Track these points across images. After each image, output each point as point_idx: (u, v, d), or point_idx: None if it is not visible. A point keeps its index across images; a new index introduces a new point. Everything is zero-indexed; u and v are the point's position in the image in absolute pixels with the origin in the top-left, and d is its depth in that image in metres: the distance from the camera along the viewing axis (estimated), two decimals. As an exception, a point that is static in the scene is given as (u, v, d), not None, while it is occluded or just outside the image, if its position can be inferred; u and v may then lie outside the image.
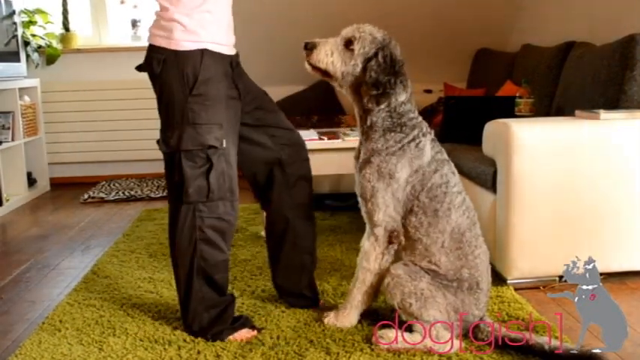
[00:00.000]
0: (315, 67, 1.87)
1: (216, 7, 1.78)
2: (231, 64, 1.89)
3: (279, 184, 2.03)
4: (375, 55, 1.80)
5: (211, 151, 1.79)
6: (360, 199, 1.93)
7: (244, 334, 1.92)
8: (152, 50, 1.81)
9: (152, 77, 1.84)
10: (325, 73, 1.87)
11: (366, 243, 1.93)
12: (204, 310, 1.90)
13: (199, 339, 1.91)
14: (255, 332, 1.94)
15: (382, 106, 1.82)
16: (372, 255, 1.91)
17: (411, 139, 1.84)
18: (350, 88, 1.89)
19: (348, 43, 1.83)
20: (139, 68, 1.87)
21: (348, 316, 1.97)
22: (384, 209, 1.85)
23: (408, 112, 1.85)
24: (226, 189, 1.84)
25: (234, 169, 1.88)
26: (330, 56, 1.82)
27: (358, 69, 1.82)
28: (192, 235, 1.83)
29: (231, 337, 1.90)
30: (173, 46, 1.76)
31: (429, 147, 1.86)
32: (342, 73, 1.84)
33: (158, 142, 1.85)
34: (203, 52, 1.77)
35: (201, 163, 1.79)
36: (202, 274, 1.86)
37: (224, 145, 1.82)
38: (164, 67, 1.78)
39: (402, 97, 1.83)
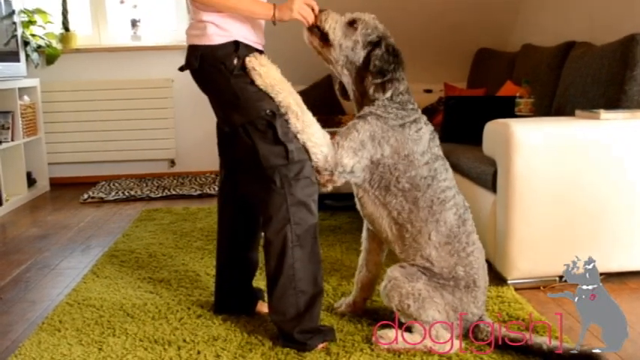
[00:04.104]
0: (316, 30, 1.88)
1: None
2: None
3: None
4: (378, 43, 1.85)
5: (271, 116, 1.83)
6: (339, 134, 1.88)
7: (321, 344, 1.85)
8: (190, 50, 1.90)
9: (193, 73, 1.92)
10: (324, 40, 1.88)
11: (326, 148, 1.84)
12: (302, 287, 1.83)
13: (199, 339, 1.91)
14: (325, 344, 1.86)
15: (388, 94, 1.84)
16: (324, 151, 1.83)
17: (413, 120, 1.86)
18: (345, 68, 1.90)
19: (352, 22, 1.88)
20: (181, 69, 1.94)
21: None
22: (357, 161, 1.83)
23: (406, 103, 1.88)
24: (298, 149, 1.83)
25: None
26: (335, 23, 1.88)
27: (358, 47, 1.86)
28: (283, 202, 1.81)
29: (320, 345, 1.84)
30: (207, 42, 1.84)
31: (427, 137, 1.87)
32: (340, 45, 1.88)
33: (222, 126, 1.94)
34: (235, 43, 1.85)
35: (267, 129, 1.82)
36: (296, 240, 1.82)
37: (280, 110, 1.84)
38: (202, 61, 1.86)
39: (403, 87, 1.86)
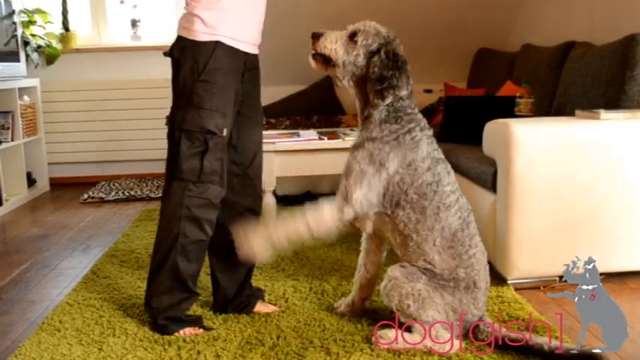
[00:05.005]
0: (318, 57, 1.90)
1: (232, 5, 1.89)
2: (246, 62, 1.97)
3: (226, 205, 2.03)
4: (378, 50, 1.84)
5: (209, 136, 1.88)
6: (342, 178, 1.90)
7: (189, 330, 1.97)
8: (177, 40, 1.95)
9: (172, 62, 1.96)
10: (328, 63, 1.90)
11: (327, 208, 1.84)
12: (169, 289, 1.95)
13: (199, 339, 1.92)
14: (200, 330, 1.97)
15: (388, 100, 1.83)
16: (325, 223, 1.84)
17: (407, 131, 1.85)
18: (352, 80, 1.91)
19: (353, 35, 1.88)
20: (165, 54, 1.99)
21: (259, 245, 1.85)
22: (366, 191, 1.84)
23: (406, 108, 1.87)
24: (218, 174, 1.92)
25: (226, 158, 1.97)
26: (334, 44, 1.88)
27: (360, 59, 1.86)
28: (178, 210, 1.90)
29: (180, 332, 1.96)
30: (191, 37, 1.89)
31: (425, 142, 1.86)
32: (344, 62, 1.87)
33: (166, 117, 1.98)
34: (217, 44, 1.88)
35: (198, 144, 1.88)
36: (181, 250, 1.92)
37: (224, 134, 1.91)
38: (182, 54, 1.91)
39: (403, 92, 1.85)
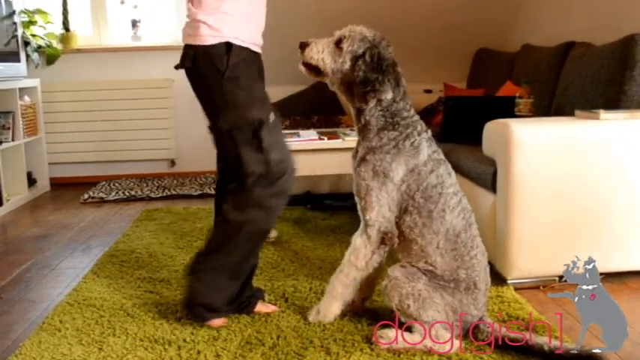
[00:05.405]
0: (307, 66, 1.93)
1: (232, 9, 1.89)
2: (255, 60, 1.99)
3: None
4: (363, 54, 1.84)
5: (258, 126, 1.89)
6: (356, 198, 1.94)
7: (217, 322, 2.00)
8: (184, 49, 1.95)
9: (187, 72, 1.96)
10: (317, 71, 1.92)
11: (357, 239, 1.93)
12: (219, 268, 1.95)
13: (199, 339, 1.92)
14: (225, 321, 2.01)
15: (371, 104, 1.85)
16: (361, 252, 1.91)
17: (405, 136, 1.86)
18: (342, 87, 1.92)
19: (339, 42, 1.88)
20: (176, 67, 1.99)
21: (329, 307, 1.99)
22: (378, 208, 1.86)
23: (401, 111, 1.87)
24: (284, 162, 1.93)
25: (285, 141, 2.00)
26: (320, 53, 1.89)
27: (346, 66, 1.86)
28: (250, 200, 1.91)
29: (211, 321, 1.99)
30: (199, 42, 1.89)
31: (425, 145, 1.87)
32: (332, 70, 1.89)
33: (209, 127, 1.98)
34: (227, 44, 1.89)
35: (251, 137, 1.89)
36: (246, 236, 1.93)
37: (270, 120, 1.92)
38: (194, 61, 1.91)
39: (389, 95, 1.85)
